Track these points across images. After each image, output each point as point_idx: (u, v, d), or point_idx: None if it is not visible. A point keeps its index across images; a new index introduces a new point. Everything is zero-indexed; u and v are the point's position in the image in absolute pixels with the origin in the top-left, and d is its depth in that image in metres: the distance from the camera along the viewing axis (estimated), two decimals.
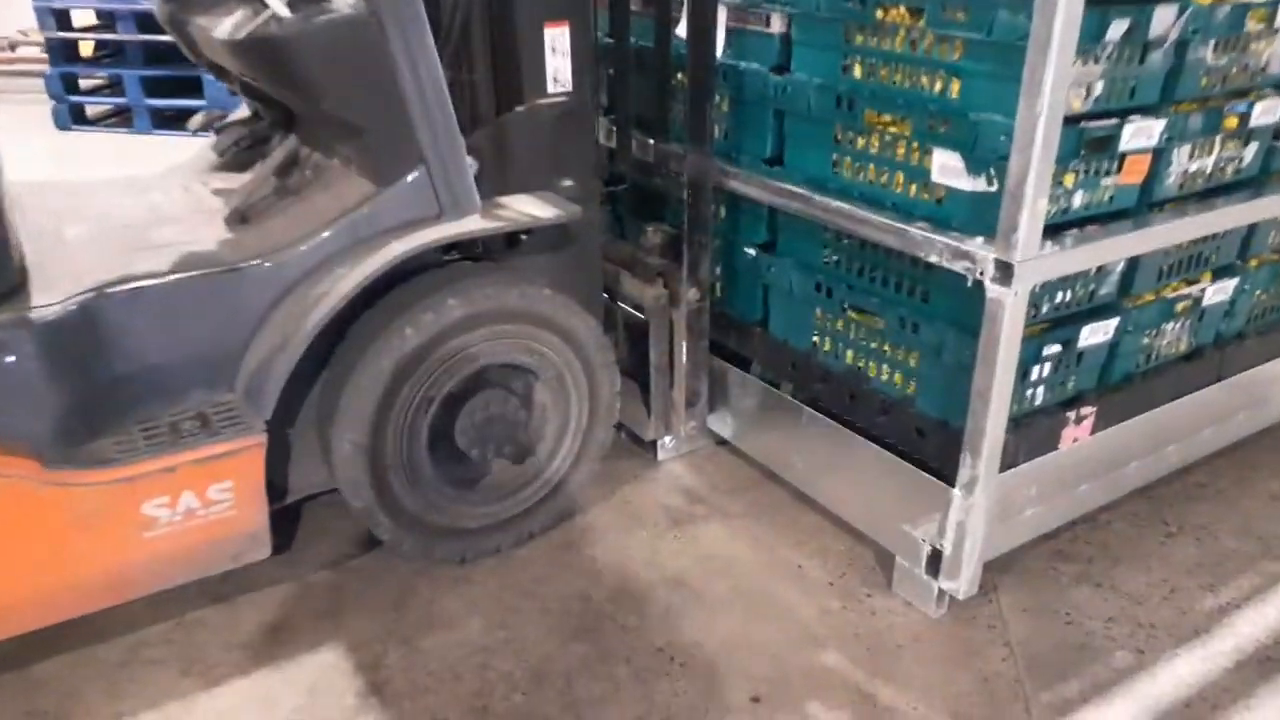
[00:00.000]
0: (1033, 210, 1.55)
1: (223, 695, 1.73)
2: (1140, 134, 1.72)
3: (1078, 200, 1.73)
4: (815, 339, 2.17)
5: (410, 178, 1.73)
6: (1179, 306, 2.04)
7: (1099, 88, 1.65)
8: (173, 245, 1.72)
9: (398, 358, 1.74)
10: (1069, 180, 1.68)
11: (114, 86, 5.47)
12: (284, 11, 1.57)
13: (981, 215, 1.68)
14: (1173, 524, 2.24)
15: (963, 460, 1.78)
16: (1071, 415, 1.94)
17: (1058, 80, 1.45)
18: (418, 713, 1.71)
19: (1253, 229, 2.12)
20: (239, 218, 1.81)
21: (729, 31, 2.13)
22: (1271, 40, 1.87)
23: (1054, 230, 1.67)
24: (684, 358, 2.27)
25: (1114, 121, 1.69)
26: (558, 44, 1.82)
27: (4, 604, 1.53)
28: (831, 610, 1.97)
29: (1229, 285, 2.12)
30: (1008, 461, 1.83)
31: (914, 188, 1.83)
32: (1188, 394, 2.14)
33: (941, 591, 1.92)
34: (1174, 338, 2.09)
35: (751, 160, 2.15)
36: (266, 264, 1.69)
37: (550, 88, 1.86)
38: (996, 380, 1.68)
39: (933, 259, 1.74)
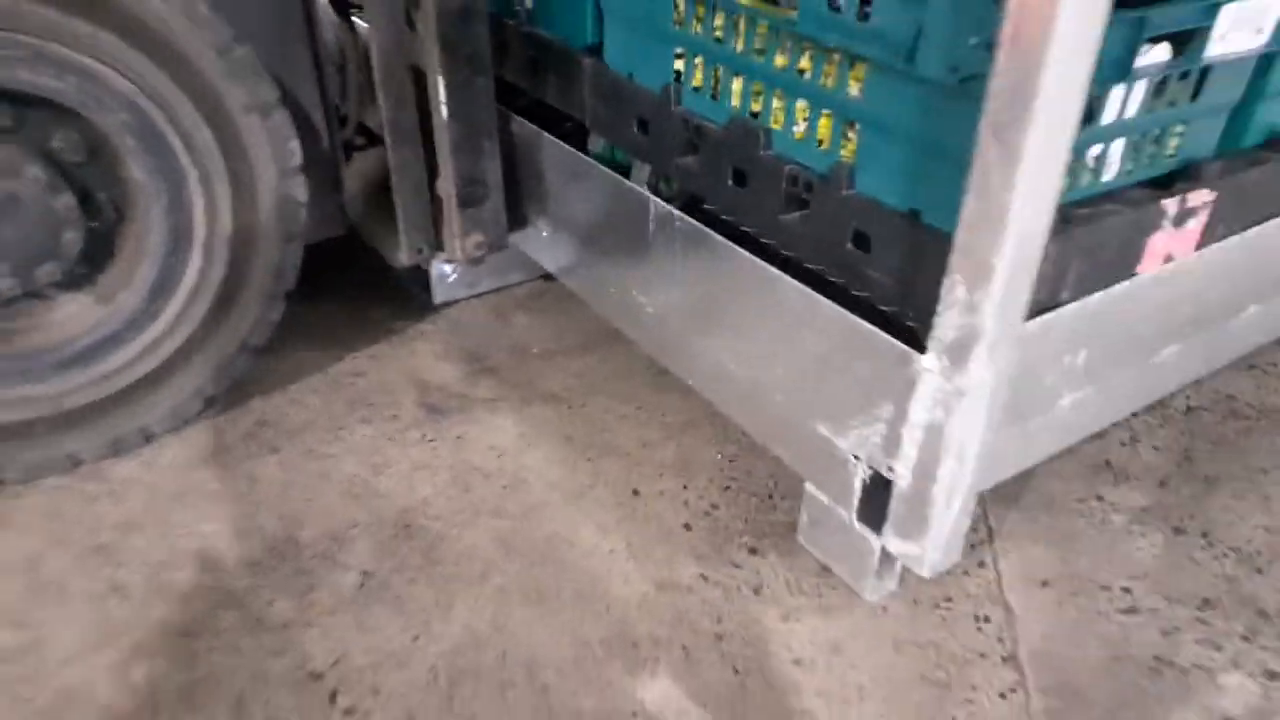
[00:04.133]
0: None
1: None
2: None
3: None
4: (679, 66, 1.12)
5: None
6: None
7: None
8: None
9: None
10: None
11: None
12: None
13: None
14: None
15: (946, 291, 0.79)
16: (1171, 208, 0.94)
17: None
18: None
19: None
20: None
21: None
22: None
23: None
24: (444, 108, 1.23)
25: None
26: None
27: None
28: (680, 583, 1.02)
29: None
30: (1045, 295, 0.85)
31: None
32: None
33: (888, 557, 0.97)
34: None
35: None
36: None
37: None
38: (1042, 104, 0.67)
39: None
